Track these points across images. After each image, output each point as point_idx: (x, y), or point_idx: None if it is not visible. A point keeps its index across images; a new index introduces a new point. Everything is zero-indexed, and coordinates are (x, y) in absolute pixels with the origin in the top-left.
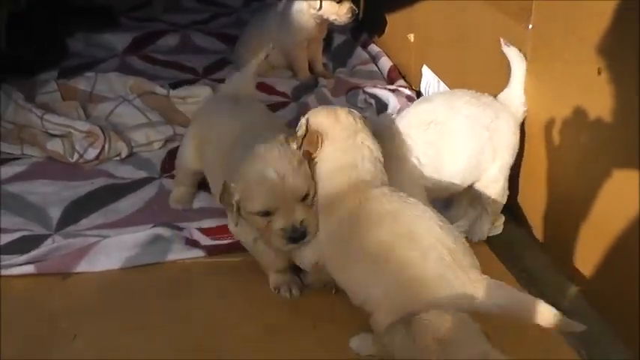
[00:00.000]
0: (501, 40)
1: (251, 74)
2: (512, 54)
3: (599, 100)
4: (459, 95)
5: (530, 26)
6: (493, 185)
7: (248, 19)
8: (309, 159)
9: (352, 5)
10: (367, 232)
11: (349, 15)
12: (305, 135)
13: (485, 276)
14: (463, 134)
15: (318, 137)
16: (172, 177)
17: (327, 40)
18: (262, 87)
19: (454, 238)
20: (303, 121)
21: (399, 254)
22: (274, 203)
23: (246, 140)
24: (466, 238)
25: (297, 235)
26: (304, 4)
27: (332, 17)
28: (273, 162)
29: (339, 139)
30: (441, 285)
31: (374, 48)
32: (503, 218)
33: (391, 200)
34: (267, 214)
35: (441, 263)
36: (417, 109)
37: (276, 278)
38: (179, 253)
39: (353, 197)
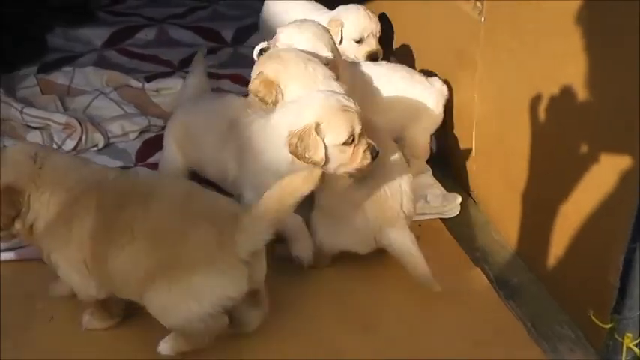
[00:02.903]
0: None
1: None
2: None
3: (546, 89)
4: (398, 69)
5: (483, 19)
6: (416, 139)
7: (224, 12)
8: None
9: (374, 48)
10: None
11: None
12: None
13: None
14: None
15: (273, 84)
16: (147, 166)
17: None
18: None
19: None
20: (255, 71)
21: None
22: (358, 127)
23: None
24: None
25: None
26: None
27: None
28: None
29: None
30: None
31: None
32: (459, 199)
33: None
34: (352, 140)
35: None
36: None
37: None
38: None
39: None
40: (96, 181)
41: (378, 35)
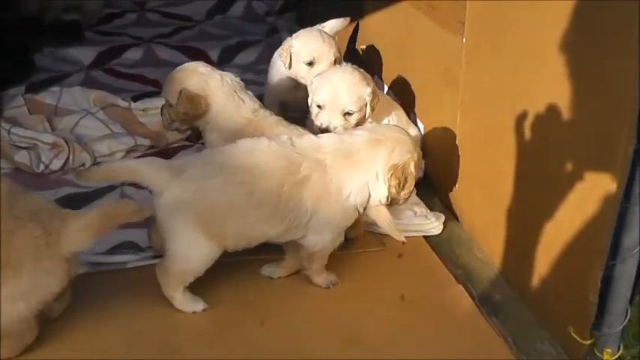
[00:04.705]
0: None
1: None
2: None
3: (529, 108)
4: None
5: (464, 39)
6: None
7: (210, 32)
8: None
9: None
10: None
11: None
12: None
13: None
14: None
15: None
16: (132, 185)
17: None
18: None
19: None
20: (176, 89)
21: None
22: None
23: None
24: None
25: None
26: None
27: (302, 80)
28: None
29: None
30: None
31: None
32: (443, 218)
33: None
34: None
35: None
36: None
37: None
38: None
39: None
40: None
41: (333, 59)
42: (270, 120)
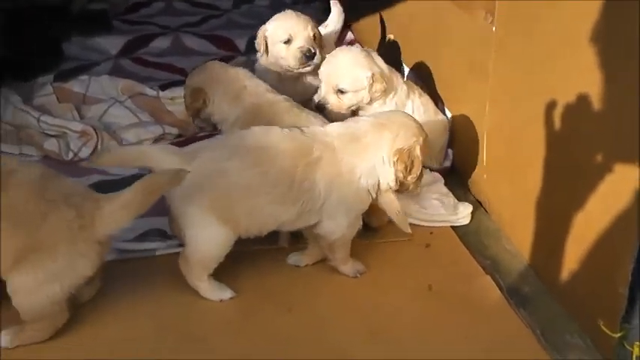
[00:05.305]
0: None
1: None
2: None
3: (559, 98)
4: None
5: (494, 28)
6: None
7: (238, 21)
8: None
9: (303, 44)
10: None
11: (297, 56)
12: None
13: None
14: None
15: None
16: None
17: None
18: None
19: None
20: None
21: None
22: None
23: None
24: None
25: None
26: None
27: (283, 63)
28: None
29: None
30: None
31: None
32: (471, 208)
33: None
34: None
35: None
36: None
37: None
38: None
39: None
40: None
41: (311, 35)
42: (283, 105)
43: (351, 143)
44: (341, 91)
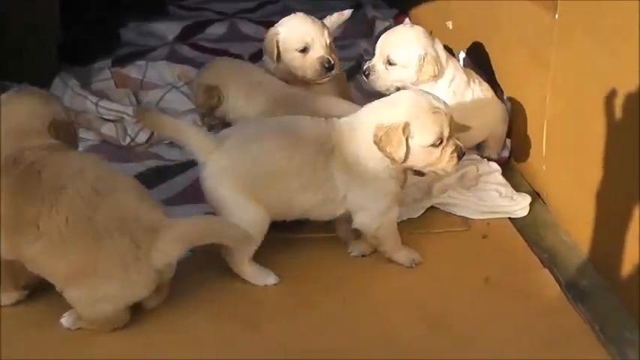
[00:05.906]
0: None
1: None
2: None
3: (622, 88)
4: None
5: (557, 17)
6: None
7: (294, 7)
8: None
9: (322, 54)
10: None
11: (317, 68)
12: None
13: None
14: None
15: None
16: None
17: (370, 26)
18: None
19: None
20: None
21: None
22: (447, 129)
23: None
24: None
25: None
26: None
27: (299, 74)
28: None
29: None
30: None
31: None
32: (529, 200)
33: None
34: (440, 142)
35: None
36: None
37: None
38: None
39: None
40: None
41: (328, 42)
42: (304, 94)
43: (352, 130)
44: (390, 63)
